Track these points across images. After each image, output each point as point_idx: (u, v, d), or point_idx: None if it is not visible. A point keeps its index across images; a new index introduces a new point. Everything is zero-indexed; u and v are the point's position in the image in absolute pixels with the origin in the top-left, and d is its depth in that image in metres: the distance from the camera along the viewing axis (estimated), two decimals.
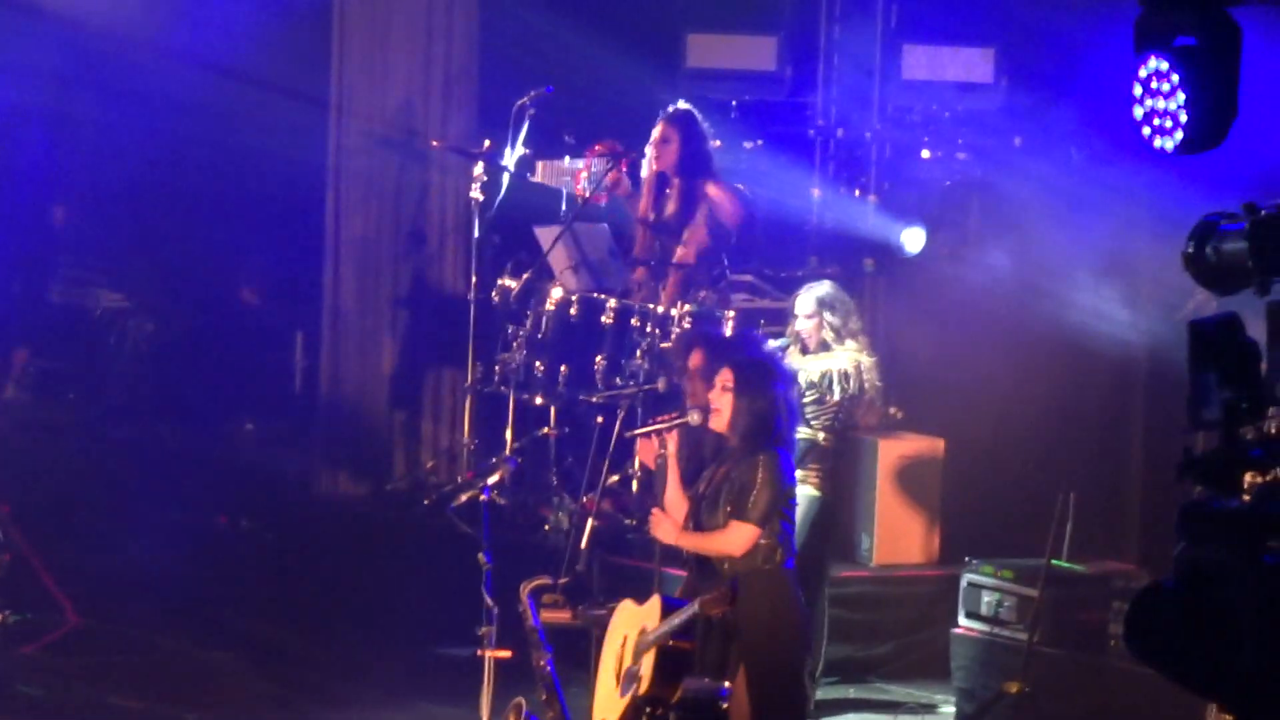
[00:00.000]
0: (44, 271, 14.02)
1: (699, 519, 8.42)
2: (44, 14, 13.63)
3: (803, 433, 10.07)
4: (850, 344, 10.18)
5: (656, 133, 11.65)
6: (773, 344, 10.26)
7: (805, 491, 9.77)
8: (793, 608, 8.38)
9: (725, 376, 8.42)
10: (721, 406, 8.40)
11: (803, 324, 10.25)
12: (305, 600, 11.51)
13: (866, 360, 10.20)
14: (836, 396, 10.10)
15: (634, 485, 11.24)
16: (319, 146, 13.10)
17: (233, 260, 14.49)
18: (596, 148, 12.13)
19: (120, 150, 14.27)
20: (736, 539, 8.25)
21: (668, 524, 8.42)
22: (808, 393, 10.09)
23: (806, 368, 10.11)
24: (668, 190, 11.72)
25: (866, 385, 10.17)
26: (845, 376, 10.08)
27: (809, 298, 10.32)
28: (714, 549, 8.27)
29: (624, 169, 11.83)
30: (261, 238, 14.10)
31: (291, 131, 13.58)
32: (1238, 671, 4.73)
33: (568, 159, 12.42)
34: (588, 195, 11.93)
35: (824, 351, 10.19)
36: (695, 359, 9.37)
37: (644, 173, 11.76)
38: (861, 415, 10.47)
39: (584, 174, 12.19)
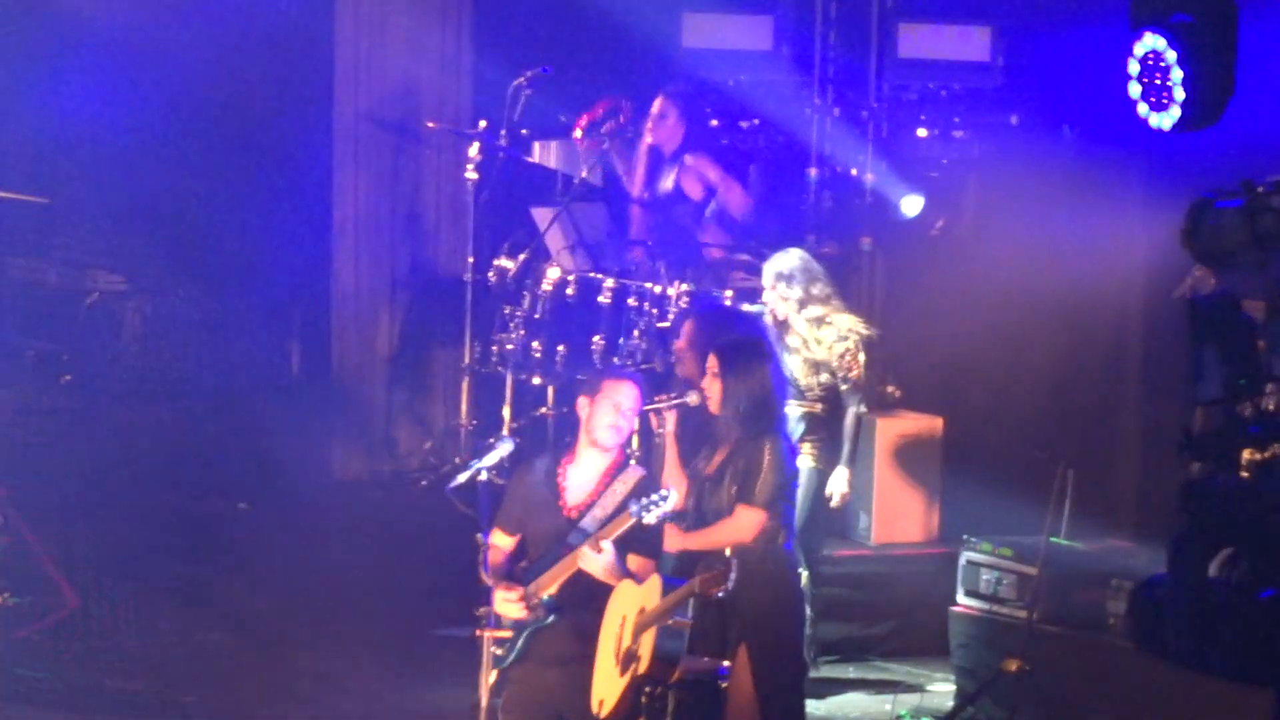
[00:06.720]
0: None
1: (701, 502, 8.42)
2: None
3: (800, 406, 10.07)
4: (839, 316, 10.12)
5: (655, 108, 11.64)
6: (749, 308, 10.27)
7: (804, 464, 9.79)
8: (791, 587, 8.43)
9: (712, 363, 8.44)
10: (712, 393, 8.42)
11: (768, 297, 10.23)
12: (303, 581, 11.51)
13: (859, 331, 10.14)
14: (832, 376, 10.07)
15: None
16: (316, 129, 13.08)
17: (231, 242, 14.46)
18: (599, 106, 12.05)
19: (117, 129, 14.22)
20: (746, 524, 8.25)
21: (667, 532, 8.39)
22: (805, 368, 10.05)
23: (811, 341, 10.07)
24: (664, 167, 11.70)
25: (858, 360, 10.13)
26: (845, 354, 10.06)
27: (768, 271, 10.27)
28: (724, 539, 8.27)
29: (624, 120, 11.78)
30: (259, 219, 14.06)
31: (290, 114, 13.55)
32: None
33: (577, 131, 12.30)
34: (585, 175, 11.93)
35: (818, 323, 10.13)
36: (684, 340, 9.38)
37: (639, 150, 11.74)
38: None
39: (584, 121, 12.07)
